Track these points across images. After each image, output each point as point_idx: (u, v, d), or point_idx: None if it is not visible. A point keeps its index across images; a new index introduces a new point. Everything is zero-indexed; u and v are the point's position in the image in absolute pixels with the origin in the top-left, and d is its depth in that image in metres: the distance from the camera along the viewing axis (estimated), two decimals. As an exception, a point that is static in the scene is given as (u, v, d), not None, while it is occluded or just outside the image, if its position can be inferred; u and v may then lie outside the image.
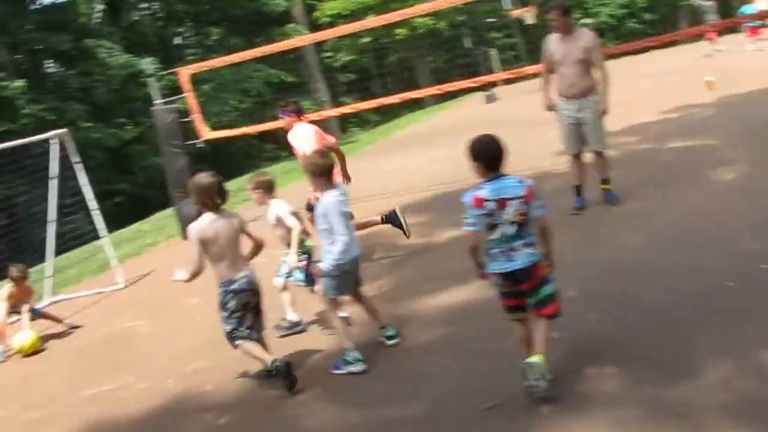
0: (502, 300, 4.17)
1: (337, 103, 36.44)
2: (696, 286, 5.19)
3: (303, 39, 24.70)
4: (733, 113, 11.68)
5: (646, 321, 4.81)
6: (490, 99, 25.52)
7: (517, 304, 4.15)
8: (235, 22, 35.50)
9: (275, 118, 9.37)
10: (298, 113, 8.06)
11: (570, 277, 4.79)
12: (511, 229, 3.98)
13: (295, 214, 6.19)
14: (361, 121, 40.40)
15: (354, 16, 35.02)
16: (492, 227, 3.99)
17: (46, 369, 7.31)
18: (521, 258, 4.00)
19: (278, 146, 36.32)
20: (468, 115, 22.55)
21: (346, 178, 7.84)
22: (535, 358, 4.03)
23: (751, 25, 20.15)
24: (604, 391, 4.08)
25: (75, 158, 10.07)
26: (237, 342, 5.21)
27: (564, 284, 4.60)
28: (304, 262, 6.22)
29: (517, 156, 12.12)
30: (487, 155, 4.00)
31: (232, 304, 5.17)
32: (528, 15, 26.29)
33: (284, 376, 4.98)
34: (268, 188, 6.30)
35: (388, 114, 35.06)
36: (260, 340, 5.38)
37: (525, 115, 18.62)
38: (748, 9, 19.71)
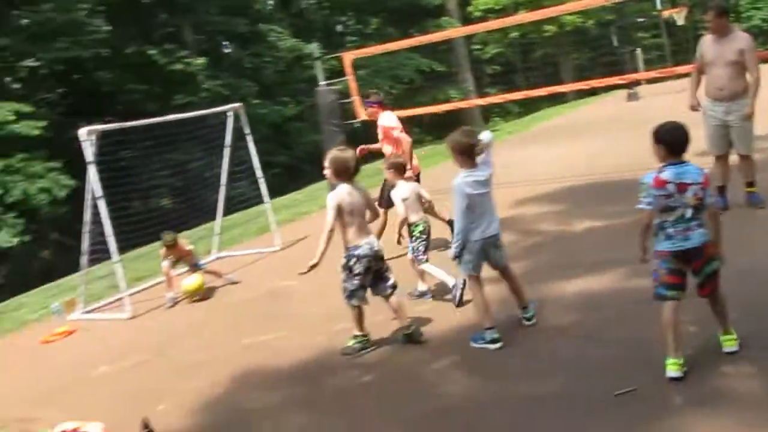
0: (665, 277, 4.07)
1: (482, 94, 36.15)
2: None
3: (457, 31, 24.63)
4: None
5: (789, 325, 4.50)
6: (632, 97, 24.46)
7: (679, 282, 4.08)
8: (392, 13, 35.71)
9: (424, 104, 9.43)
10: (381, 104, 8.48)
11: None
12: (689, 212, 3.96)
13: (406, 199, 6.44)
14: (503, 111, 39.93)
15: (505, 11, 34.55)
16: (668, 209, 3.99)
17: (208, 318, 7.65)
18: (696, 237, 3.98)
19: (422, 131, 36.49)
20: (609, 112, 21.83)
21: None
22: (730, 344, 4.22)
23: None
24: (739, 389, 3.87)
25: (246, 130, 10.45)
26: (353, 302, 5.44)
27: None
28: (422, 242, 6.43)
29: (653, 156, 11.55)
30: (671, 140, 4.02)
31: (356, 267, 5.33)
32: (679, 16, 24.94)
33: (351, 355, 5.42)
34: (399, 170, 6.65)
35: (530, 106, 34.44)
36: (390, 301, 5.51)
37: (668, 114, 17.76)
38: None
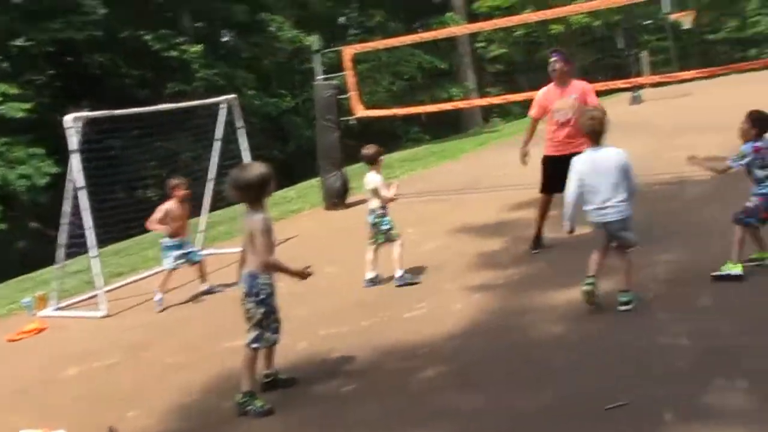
0: (764, 213, 5.69)
1: (483, 93, 36.03)
2: None
3: (462, 29, 24.50)
4: None
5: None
6: (636, 100, 24.49)
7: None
8: (397, 7, 35.69)
9: (423, 102, 9.28)
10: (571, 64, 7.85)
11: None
12: None
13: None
14: (503, 111, 39.78)
15: (512, 9, 34.41)
16: (763, 167, 5.68)
17: (188, 319, 7.56)
18: None
19: (422, 130, 36.37)
20: (611, 115, 21.67)
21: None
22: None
23: None
24: (733, 405, 3.83)
25: (239, 123, 10.34)
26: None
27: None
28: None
29: (655, 161, 11.32)
30: (762, 124, 5.70)
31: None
32: (686, 20, 24.80)
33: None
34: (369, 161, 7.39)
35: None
36: None
37: (670, 120, 17.72)
38: None
